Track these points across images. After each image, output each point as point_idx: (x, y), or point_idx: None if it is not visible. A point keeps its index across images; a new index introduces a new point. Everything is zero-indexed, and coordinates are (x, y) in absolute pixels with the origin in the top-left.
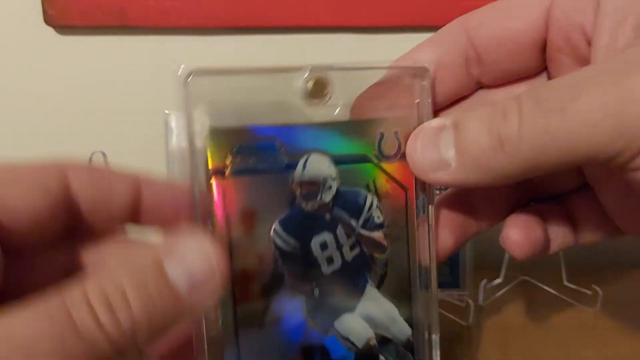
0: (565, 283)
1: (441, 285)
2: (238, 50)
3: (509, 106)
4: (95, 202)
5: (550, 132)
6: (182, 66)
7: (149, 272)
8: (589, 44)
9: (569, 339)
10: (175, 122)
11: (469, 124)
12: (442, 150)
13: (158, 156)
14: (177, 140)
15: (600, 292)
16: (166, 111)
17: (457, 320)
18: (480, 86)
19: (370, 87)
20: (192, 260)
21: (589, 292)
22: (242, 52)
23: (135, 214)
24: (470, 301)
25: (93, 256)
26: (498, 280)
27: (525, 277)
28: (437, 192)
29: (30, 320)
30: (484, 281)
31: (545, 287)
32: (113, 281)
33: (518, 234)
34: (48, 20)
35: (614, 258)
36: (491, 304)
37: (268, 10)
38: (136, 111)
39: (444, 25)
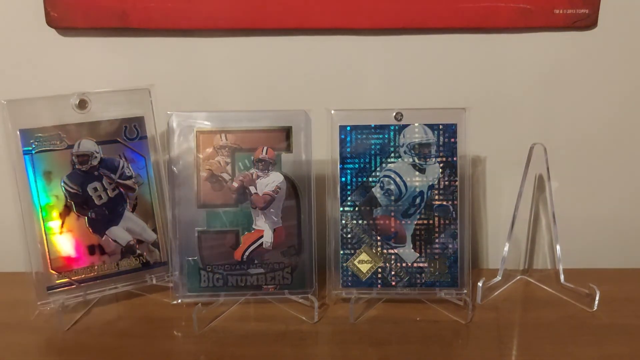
0: (563, 282)
1: (440, 284)
2: (239, 51)
3: None
4: None
5: None
6: None
7: None
8: None
9: (566, 337)
10: (176, 121)
11: None
12: None
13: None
14: (177, 136)
15: (597, 292)
16: (168, 112)
17: (456, 318)
18: None
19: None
20: None
21: (586, 292)
22: (243, 53)
23: None
24: (468, 300)
25: None
26: (496, 280)
27: (523, 277)
28: None
29: None
30: (482, 280)
31: (543, 286)
32: None
33: None
34: (50, 21)
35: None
36: (489, 303)
37: (268, 12)
38: None
39: (441, 27)
